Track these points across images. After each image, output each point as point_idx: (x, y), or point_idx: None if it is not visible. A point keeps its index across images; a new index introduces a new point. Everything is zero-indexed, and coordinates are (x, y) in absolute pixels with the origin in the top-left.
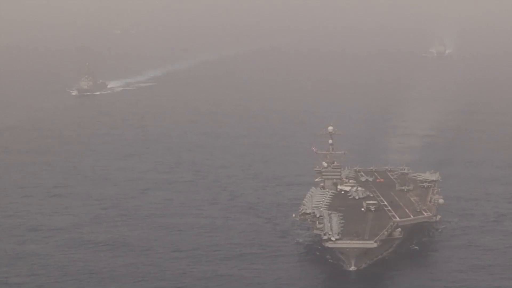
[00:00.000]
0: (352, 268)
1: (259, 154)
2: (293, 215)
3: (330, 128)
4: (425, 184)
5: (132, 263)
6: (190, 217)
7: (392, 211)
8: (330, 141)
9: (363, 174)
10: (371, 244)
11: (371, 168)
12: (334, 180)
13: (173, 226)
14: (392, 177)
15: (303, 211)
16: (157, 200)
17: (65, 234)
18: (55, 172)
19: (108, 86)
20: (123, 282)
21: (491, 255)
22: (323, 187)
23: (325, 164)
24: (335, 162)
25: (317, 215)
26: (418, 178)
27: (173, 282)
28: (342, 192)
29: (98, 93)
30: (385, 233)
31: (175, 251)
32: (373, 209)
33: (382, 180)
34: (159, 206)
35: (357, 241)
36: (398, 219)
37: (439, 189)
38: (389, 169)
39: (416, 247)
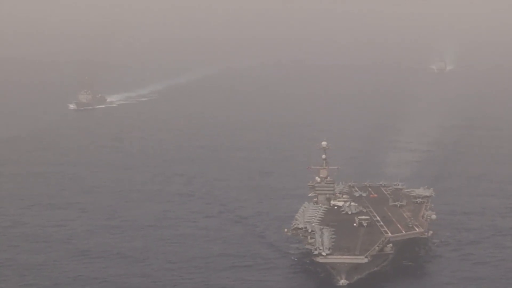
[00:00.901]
0: (343, 282)
1: (255, 167)
2: (285, 229)
3: (324, 143)
4: (418, 200)
5: (125, 274)
6: (185, 229)
7: (384, 227)
8: (324, 156)
9: (357, 189)
10: (362, 259)
11: (366, 183)
12: (327, 195)
13: (168, 238)
14: (385, 193)
15: (295, 226)
16: (152, 211)
17: (59, 244)
18: (51, 183)
19: (108, 100)
20: None
21: (482, 268)
22: (317, 202)
23: (318, 179)
24: (328, 177)
25: (309, 230)
26: (412, 194)
27: None
28: (335, 207)
29: (97, 106)
30: (376, 248)
31: (168, 262)
32: (365, 224)
33: (375, 195)
34: (154, 218)
35: (348, 256)
36: (389, 234)
37: (432, 205)
38: (383, 184)
39: (407, 262)
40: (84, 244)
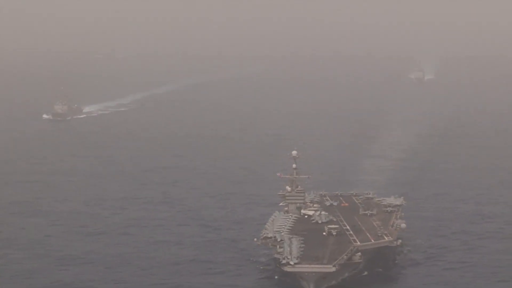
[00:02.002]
0: None
1: (230, 176)
2: (255, 239)
3: (294, 152)
4: (389, 209)
5: (98, 280)
6: (158, 236)
7: (354, 236)
8: (294, 165)
9: (328, 199)
10: (330, 268)
11: (337, 192)
12: (298, 204)
13: (141, 244)
14: (357, 202)
15: (264, 235)
16: (126, 219)
17: (33, 251)
18: (27, 192)
19: (84, 111)
20: None
21: (452, 273)
22: (287, 211)
23: (288, 189)
24: (299, 187)
25: (278, 239)
26: (383, 203)
27: None
28: (306, 216)
29: (73, 117)
30: (345, 257)
31: (141, 268)
32: (334, 234)
33: (346, 204)
34: (128, 225)
35: (316, 265)
36: (358, 243)
37: (403, 214)
38: (354, 193)
39: (377, 270)
40: (58, 251)
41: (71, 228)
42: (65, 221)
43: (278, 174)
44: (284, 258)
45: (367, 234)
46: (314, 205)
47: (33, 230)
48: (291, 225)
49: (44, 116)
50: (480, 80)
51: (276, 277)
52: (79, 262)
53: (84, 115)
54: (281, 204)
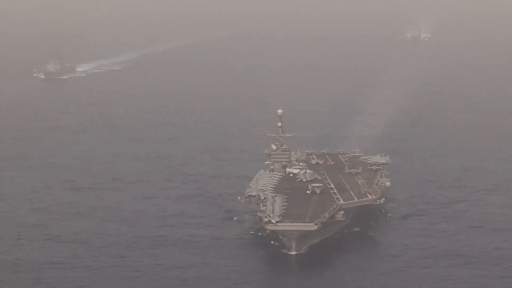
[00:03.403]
0: (293, 252)
1: (220, 133)
2: (239, 197)
3: (280, 111)
4: (374, 167)
5: (84, 231)
6: (145, 191)
7: (337, 194)
8: (279, 124)
9: (315, 157)
10: (311, 226)
11: (324, 151)
12: (283, 162)
13: (128, 198)
14: (342, 160)
15: (248, 194)
16: (115, 173)
17: (21, 203)
18: (21, 147)
19: (78, 70)
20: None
21: (434, 227)
22: (272, 170)
23: (274, 147)
24: (284, 145)
25: (262, 198)
26: (368, 161)
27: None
28: (291, 174)
29: (66, 76)
30: (327, 215)
31: (124, 220)
32: (318, 192)
33: (332, 163)
34: (116, 180)
35: (297, 224)
36: (341, 201)
37: (388, 172)
38: (341, 152)
39: (359, 229)
40: (46, 204)
41: (59, 182)
42: (54, 175)
43: (262, 135)
44: (266, 216)
45: (351, 192)
46: (300, 164)
47: (21, 184)
48: (275, 183)
49: (35, 74)
50: (477, 39)
51: (251, 232)
52: (67, 216)
53: (83, 74)
54: (266, 162)
